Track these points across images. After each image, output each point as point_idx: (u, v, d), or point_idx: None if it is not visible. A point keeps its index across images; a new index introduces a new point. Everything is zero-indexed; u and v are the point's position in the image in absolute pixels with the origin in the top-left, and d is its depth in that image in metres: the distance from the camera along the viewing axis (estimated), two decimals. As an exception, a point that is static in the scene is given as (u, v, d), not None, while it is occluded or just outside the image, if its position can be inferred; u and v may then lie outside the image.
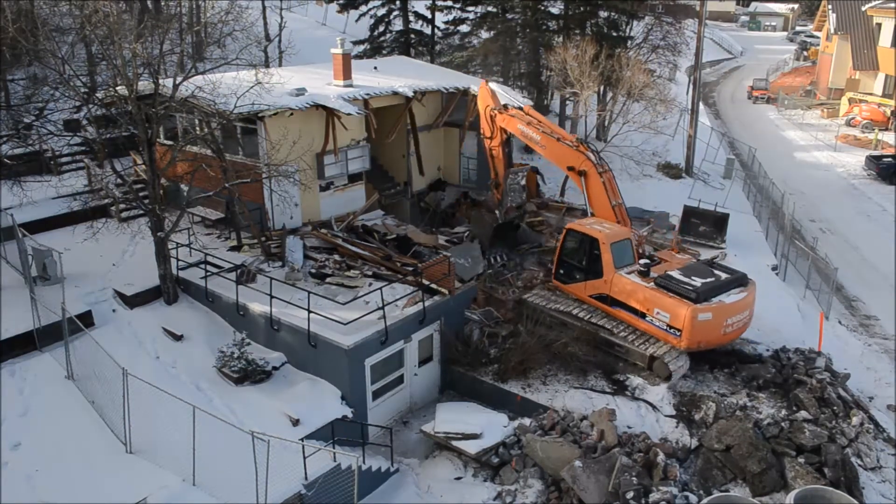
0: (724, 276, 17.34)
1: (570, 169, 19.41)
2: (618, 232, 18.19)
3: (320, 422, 15.34)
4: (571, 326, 18.15)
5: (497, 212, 22.60)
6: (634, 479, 13.88)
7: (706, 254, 23.46)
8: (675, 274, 17.14)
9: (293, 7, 41.12)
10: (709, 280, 16.94)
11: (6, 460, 13.35)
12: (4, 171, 20.01)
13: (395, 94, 23.62)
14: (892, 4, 47.68)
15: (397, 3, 34.64)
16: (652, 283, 17.07)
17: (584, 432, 15.46)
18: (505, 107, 21.34)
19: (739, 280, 17.34)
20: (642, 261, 18.00)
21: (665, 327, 16.62)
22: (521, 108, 21.47)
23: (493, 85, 21.90)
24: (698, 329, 16.16)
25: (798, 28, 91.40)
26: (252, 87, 17.93)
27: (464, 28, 35.24)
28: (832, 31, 55.10)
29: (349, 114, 21.56)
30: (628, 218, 19.28)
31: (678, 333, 16.34)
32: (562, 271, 19.08)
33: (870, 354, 20.78)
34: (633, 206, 26.61)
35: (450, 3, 34.83)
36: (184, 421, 13.08)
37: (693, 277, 16.96)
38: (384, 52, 34.65)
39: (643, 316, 17.07)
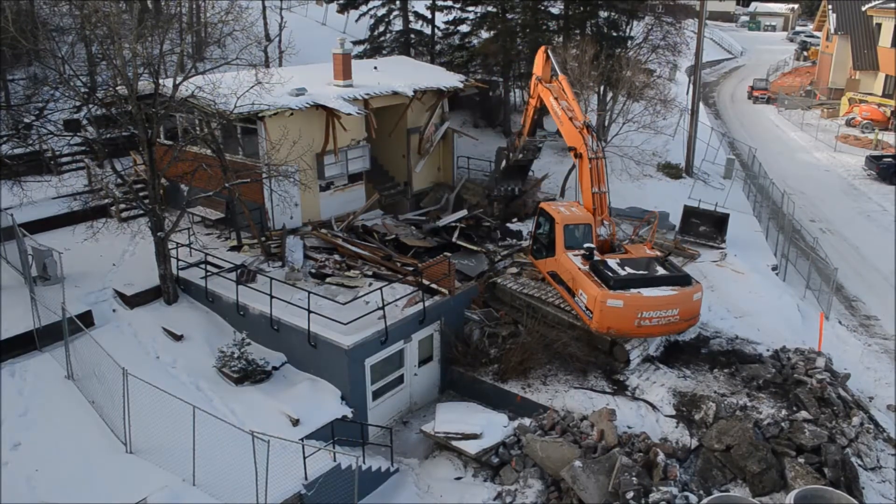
0: (660, 272, 17.47)
1: (571, 149, 20.25)
2: (578, 216, 19.08)
3: (320, 422, 15.35)
4: (539, 310, 18.68)
5: (511, 154, 24.67)
6: (634, 479, 13.88)
7: (707, 254, 23.52)
8: (611, 262, 17.61)
9: (293, 7, 41.08)
10: (638, 273, 17.31)
11: (6, 460, 13.35)
12: (4, 171, 20.00)
13: (395, 94, 23.62)
14: (892, 4, 47.67)
15: (397, 3, 34.61)
16: (586, 267, 17.73)
17: (584, 432, 15.46)
18: (552, 77, 22.72)
19: (677, 280, 17.31)
20: (586, 245, 18.39)
21: (583, 308, 17.24)
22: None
23: (551, 53, 23.03)
24: (608, 314, 16.60)
25: (798, 28, 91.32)
26: (252, 87, 17.93)
27: (464, 28, 35.19)
28: (832, 31, 55.11)
29: (349, 114, 21.58)
30: (607, 208, 19.80)
31: (591, 315, 16.96)
32: (535, 247, 20.39)
33: (870, 354, 20.76)
34: (633, 206, 26.68)
35: (450, 3, 34.78)
36: (184, 421, 13.08)
37: (625, 268, 17.37)
38: (384, 52, 34.62)
39: (573, 295, 17.87)
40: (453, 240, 22.45)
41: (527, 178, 26.22)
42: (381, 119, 24.12)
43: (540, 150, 25.49)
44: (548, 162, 31.46)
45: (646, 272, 17.43)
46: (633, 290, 16.69)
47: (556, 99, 21.55)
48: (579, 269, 17.75)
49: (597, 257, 17.90)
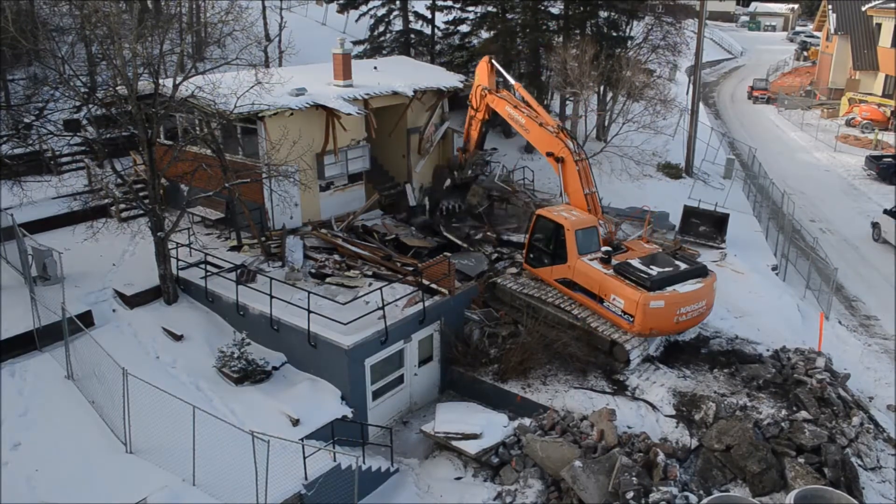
0: (682, 266, 17.70)
1: (549, 154, 19.84)
2: (584, 220, 18.77)
3: (320, 422, 15.35)
4: (539, 310, 18.58)
5: (457, 172, 24.01)
6: (634, 479, 13.88)
7: (707, 254, 23.51)
8: (634, 262, 17.61)
9: (293, 7, 41.07)
10: (666, 269, 17.40)
11: (6, 460, 13.34)
12: (4, 171, 20.01)
13: (395, 94, 23.62)
14: (892, 4, 47.67)
15: (397, 3, 34.60)
16: (611, 270, 17.62)
17: (584, 432, 15.46)
18: (501, 86, 21.98)
19: (698, 271, 17.72)
20: (604, 248, 18.38)
21: (620, 313, 17.13)
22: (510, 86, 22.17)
23: (496, 63, 22.35)
24: (650, 316, 16.67)
25: (798, 28, 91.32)
26: (252, 87, 17.93)
27: (464, 28, 35.19)
28: (832, 31, 55.10)
29: (349, 114, 21.57)
30: (600, 207, 19.72)
31: (631, 319, 16.87)
32: (532, 255, 19.78)
33: (870, 354, 20.77)
34: (633, 206, 26.67)
35: (450, 3, 34.79)
36: (184, 421, 13.08)
37: (651, 266, 17.42)
38: (384, 52, 34.62)
39: (601, 301, 17.65)
40: (444, 231, 22.41)
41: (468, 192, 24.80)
42: (381, 119, 24.12)
43: (488, 163, 24.79)
44: (547, 162, 31.43)
45: (671, 268, 17.51)
46: (670, 289, 16.87)
47: (514, 108, 20.95)
48: (606, 274, 17.60)
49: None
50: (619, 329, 17.51)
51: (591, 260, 18.15)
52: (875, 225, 29.44)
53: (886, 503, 14.69)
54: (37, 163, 22.63)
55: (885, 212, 28.97)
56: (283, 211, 20.52)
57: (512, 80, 22.01)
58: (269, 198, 20.10)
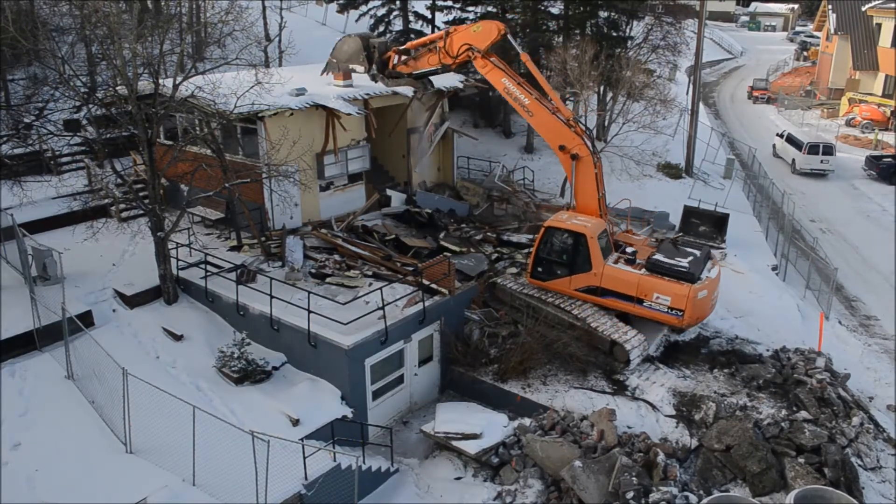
0: (697, 252, 18.06)
1: (561, 148, 18.08)
2: (599, 225, 18.46)
3: (320, 422, 15.35)
4: (539, 310, 18.49)
5: (379, 66, 20.92)
6: (634, 479, 13.87)
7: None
8: (661, 257, 17.67)
9: (293, 7, 41.06)
10: (690, 259, 17.64)
11: (6, 460, 13.34)
12: (4, 171, 20.01)
13: (395, 94, 23.60)
14: (892, 4, 47.66)
15: (397, 3, 34.63)
16: (643, 270, 17.58)
17: (584, 432, 15.46)
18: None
19: (707, 255, 18.20)
20: (629, 249, 18.38)
21: (666, 310, 17.13)
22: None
23: (511, 39, 19.26)
24: (697, 307, 16.98)
25: (798, 28, 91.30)
26: (252, 87, 17.93)
27: (464, 28, 35.19)
28: (832, 31, 55.10)
29: (349, 114, 21.58)
30: (607, 210, 19.39)
31: (681, 314, 16.92)
32: (540, 269, 18.74)
33: (870, 354, 20.78)
34: (633, 206, 26.67)
35: (450, 3, 34.81)
36: (184, 421, 13.08)
37: (676, 259, 17.58)
38: (384, 52, 34.59)
39: (640, 302, 17.50)
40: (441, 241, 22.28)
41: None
42: (381, 119, 24.12)
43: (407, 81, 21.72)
44: (548, 162, 31.46)
45: (691, 257, 17.73)
46: (704, 277, 17.21)
47: (517, 84, 18.43)
48: (641, 274, 17.45)
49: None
50: (618, 329, 17.51)
51: (615, 263, 17.98)
52: (774, 146, 40.54)
53: (886, 503, 14.69)
54: (37, 163, 22.65)
55: (778, 135, 39.83)
56: (283, 211, 20.52)
57: (521, 52, 19.38)
58: (269, 198, 20.11)
